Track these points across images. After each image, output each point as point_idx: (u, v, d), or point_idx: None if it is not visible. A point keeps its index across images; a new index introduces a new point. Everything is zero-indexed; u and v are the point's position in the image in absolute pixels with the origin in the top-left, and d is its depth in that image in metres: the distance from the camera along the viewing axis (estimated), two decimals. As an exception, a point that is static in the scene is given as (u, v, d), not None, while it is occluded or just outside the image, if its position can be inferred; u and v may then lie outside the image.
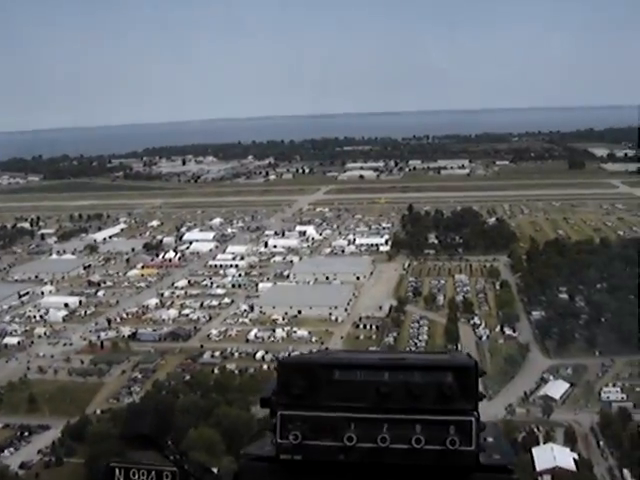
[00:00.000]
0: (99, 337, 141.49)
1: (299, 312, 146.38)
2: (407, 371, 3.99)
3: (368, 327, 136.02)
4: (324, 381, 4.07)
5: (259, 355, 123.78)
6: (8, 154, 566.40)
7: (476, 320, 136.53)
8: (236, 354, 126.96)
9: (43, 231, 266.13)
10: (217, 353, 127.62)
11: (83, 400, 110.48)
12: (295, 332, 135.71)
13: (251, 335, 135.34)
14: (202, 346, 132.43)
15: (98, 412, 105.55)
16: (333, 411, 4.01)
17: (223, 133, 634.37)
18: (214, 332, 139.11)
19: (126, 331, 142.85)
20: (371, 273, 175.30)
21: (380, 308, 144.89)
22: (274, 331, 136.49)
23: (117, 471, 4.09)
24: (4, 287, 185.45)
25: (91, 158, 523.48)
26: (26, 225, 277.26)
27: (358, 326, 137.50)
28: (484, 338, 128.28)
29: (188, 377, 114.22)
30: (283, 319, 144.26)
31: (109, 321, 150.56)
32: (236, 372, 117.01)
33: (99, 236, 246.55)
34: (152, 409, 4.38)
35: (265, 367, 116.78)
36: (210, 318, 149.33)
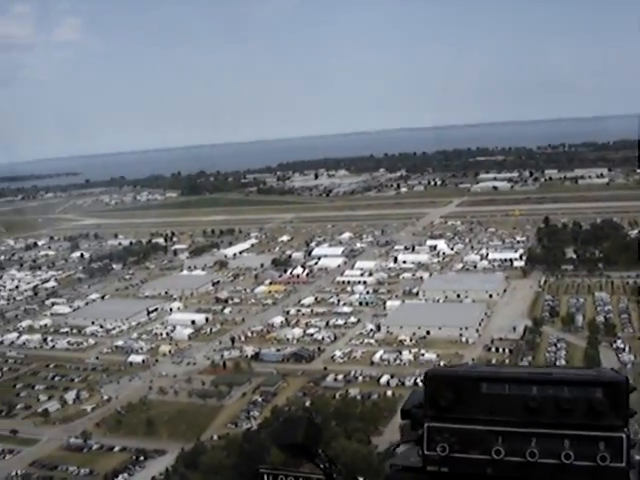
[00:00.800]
0: (222, 356, 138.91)
1: (428, 332, 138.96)
2: (556, 386, 4.05)
3: (501, 350, 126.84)
4: (471, 394, 4.19)
5: (384, 380, 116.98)
6: (150, 171, 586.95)
7: (619, 344, 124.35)
8: (360, 378, 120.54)
9: (176, 246, 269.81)
10: (340, 376, 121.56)
11: (201, 424, 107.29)
12: (423, 355, 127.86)
13: (376, 357, 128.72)
14: (325, 368, 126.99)
15: (215, 437, 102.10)
16: (481, 424, 4.12)
17: (356, 147, 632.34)
18: (338, 353, 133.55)
19: (249, 351, 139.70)
20: (504, 290, 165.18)
21: (514, 329, 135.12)
22: (400, 353, 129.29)
23: (266, 477, 4.51)
24: (134, 303, 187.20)
25: (227, 174, 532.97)
26: (160, 241, 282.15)
27: (490, 349, 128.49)
28: (629, 365, 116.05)
29: (308, 402, 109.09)
30: (411, 340, 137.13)
31: (233, 340, 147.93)
32: (358, 398, 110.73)
33: (230, 251, 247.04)
34: (306, 419, 4.67)
35: (389, 393, 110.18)
36: (335, 338, 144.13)
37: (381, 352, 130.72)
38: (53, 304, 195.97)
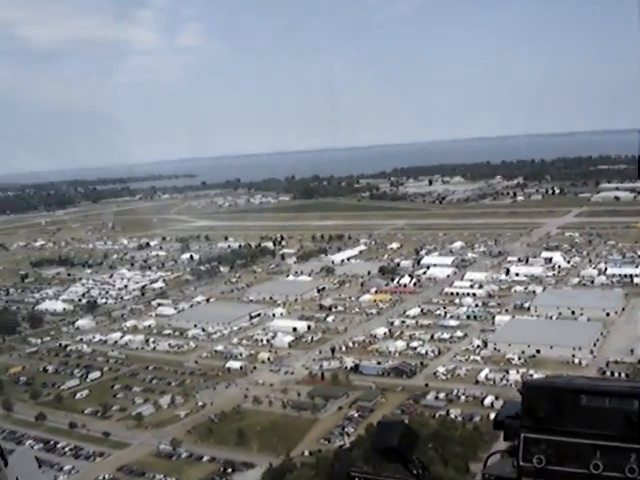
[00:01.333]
0: (321, 367, 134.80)
1: (538, 351, 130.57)
2: None
3: (616, 374, 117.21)
4: (570, 406, 4.23)
5: (488, 401, 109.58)
6: (266, 174, 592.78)
7: None
8: (462, 397, 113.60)
9: (284, 251, 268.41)
10: (442, 395, 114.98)
11: (293, 438, 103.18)
12: (531, 376, 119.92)
13: (481, 376, 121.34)
14: (427, 385, 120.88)
15: (306, 453, 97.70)
16: (579, 437, 4.13)
17: (472, 153, 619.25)
18: (441, 370, 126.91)
19: (349, 362, 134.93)
20: (623, 309, 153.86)
21: (632, 352, 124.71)
22: (507, 373, 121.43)
23: None
24: (238, 307, 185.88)
25: (340, 178, 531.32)
26: (269, 244, 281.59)
27: (604, 372, 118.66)
28: None
29: (406, 422, 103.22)
30: (519, 359, 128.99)
31: (333, 350, 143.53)
32: (459, 419, 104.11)
33: (337, 257, 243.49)
34: (402, 423, 4.76)
35: (493, 416, 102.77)
36: (439, 353, 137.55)
37: (487, 371, 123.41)
38: (159, 305, 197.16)
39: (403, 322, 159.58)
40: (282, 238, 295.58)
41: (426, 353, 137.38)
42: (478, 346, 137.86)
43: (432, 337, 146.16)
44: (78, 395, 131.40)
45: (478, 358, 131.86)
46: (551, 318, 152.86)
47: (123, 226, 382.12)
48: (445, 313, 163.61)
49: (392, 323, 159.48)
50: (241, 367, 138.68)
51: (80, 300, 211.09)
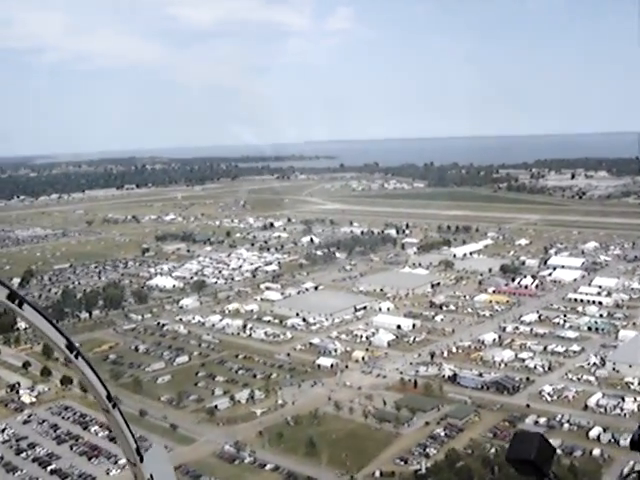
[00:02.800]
0: (417, 372, 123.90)
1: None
2: None
3: None
4: None
5: (594, 433, 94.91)
6: (405, 159, 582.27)
7: None
8: (566, 425, 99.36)
9: (406, 240, 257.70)
10: (543, 420, 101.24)
11: (367, 453, 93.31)
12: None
13: (592, 401, 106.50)
14: (528, 406, 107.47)
15: (377, 474, 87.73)
16: None
17: (618, 147, 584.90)
18: (548, 389, 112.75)
19: (448, 370, 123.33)
20: None
21: None
22: (623, 400, 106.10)
23: None
24: (345, 298, 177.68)
25: (480, 167, 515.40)
26: (392, 232, 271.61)
27: None
28: None
29: (493, 450, 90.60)
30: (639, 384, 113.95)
31: (432, 355, 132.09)
32: (557, 452, 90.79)
33: (459, 251, 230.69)
34: (539, 435, 4.67)
35: (596, 452, 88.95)
36: (549, 368, 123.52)
37: (599, 395, 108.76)
38: (266, 289, 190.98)
39: (516, 328, 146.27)
40: (407, 226, 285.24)
41: (534, 367, 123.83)
42: (594, 364, 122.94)
43: (545, 349, 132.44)
44: (160, 380, 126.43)
45: (592, 379, 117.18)
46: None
47: (253, 205, 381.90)
48: (564, 322, 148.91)
49: (504, 329, 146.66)
50: (332, 365, 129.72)
51: (192, 278, 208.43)
